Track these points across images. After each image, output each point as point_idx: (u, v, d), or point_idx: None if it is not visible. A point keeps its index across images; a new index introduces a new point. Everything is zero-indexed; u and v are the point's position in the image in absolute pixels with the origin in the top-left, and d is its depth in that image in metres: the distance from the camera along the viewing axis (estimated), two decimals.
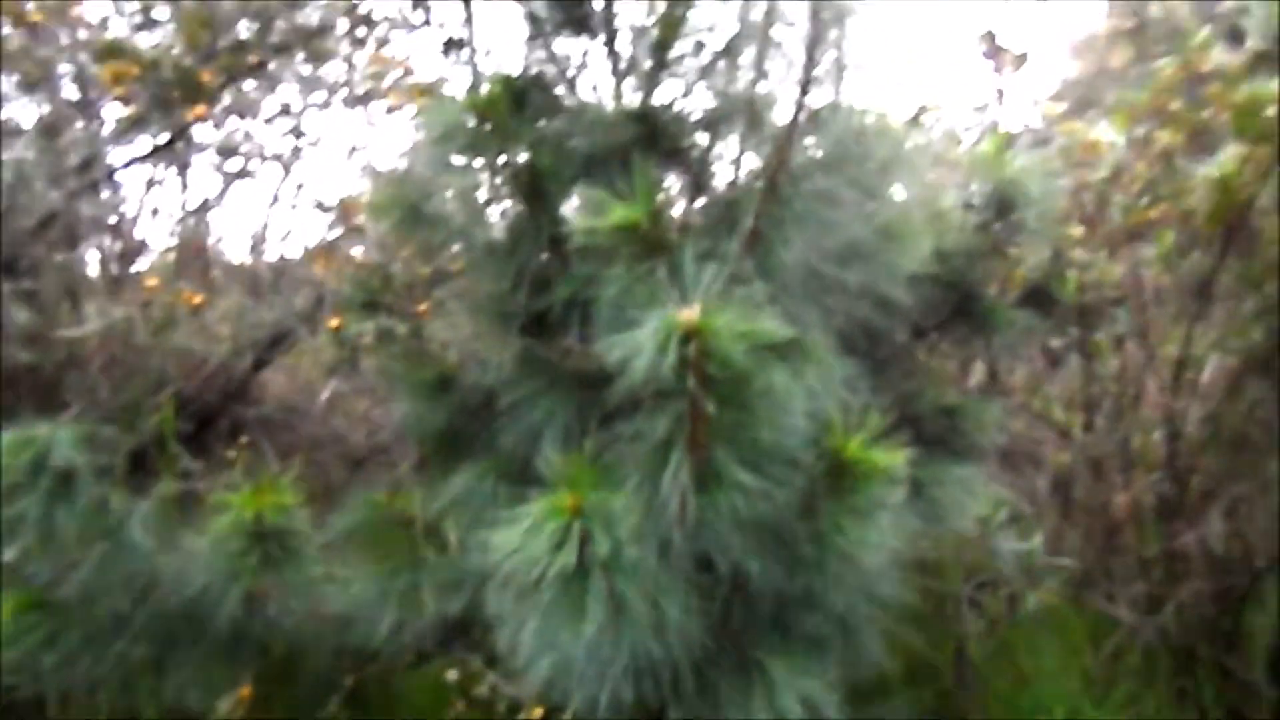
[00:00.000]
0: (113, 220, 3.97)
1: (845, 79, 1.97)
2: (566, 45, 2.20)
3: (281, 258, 4.29)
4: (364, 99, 4.00)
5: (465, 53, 2.23)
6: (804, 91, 1.93)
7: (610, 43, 2.16)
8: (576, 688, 1.63)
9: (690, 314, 1.47)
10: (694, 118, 2.17)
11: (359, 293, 2.63)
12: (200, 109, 3.12)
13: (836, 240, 1.96)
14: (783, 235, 1.88)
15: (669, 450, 1.59)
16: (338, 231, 3.83)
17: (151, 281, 3.28)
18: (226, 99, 3.68)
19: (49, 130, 3.67)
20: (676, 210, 2.18)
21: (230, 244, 4.67)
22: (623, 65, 2.17)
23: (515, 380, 2.10)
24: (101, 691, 2.47)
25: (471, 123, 2.05)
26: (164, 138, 3.63)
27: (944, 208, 2.45)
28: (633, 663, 1.56)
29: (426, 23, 3.55)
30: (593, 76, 2.20)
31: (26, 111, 3.72)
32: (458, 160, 2.17)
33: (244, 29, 3.36)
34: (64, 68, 3.71)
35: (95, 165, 3.63)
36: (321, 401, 4.00)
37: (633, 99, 2.16)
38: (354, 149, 4.13)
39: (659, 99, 2.16)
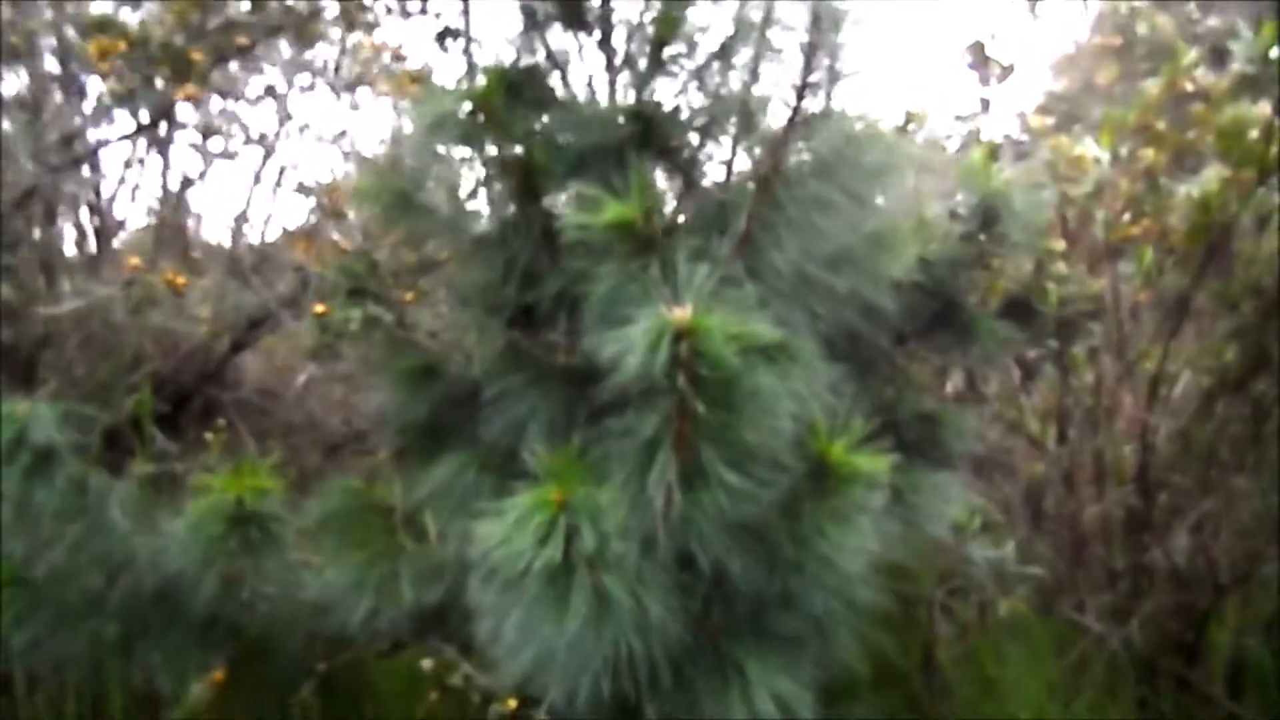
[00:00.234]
0: (92, 198, 3.94)
1: (839, 85, 1.99)
2: (562, 40, 2.20)
3: (262, 240, 4.26)
4: (352, 85, 3.98)
5: (460, 43, 2.23)
6: (800, 96, 1.94)
7: (606, 39, 2.17)
8: (556, 681, 1.64)
9: (683, 313, 1.47)
10: (687, 117, 2.18)
11: (344, 279, 2.62)
12: (190, 89, 3.09)
13: (826, 245, 1.97)
14: (774, 238, 1.89)
15: (656, 448, 1.59)
16: (319, 217, 3.81)
17: (133, 260, 3.24)
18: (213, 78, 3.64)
19: (30, 104, 3.63)
20: (668, 209, 2.19)
21: (210, 225, 4.65)
22: (618, 62, 2.17)
23: (500, 373, 2.10)
24: (70, 671, 2.46)
25: (464, 113, 2.05)
26: (148, 116, 3.59)
27: (929, 216, 2.46)
28: (613, 658, 1.57)
29: (423, 11, 3.54)
30: (587, 72, 2.20)
31: (7, 83, 3.68)
32: (448, 150, 2.17)
33: (234, 8, 3.33)
34: (47, 41, 3.67)
35: (77, 141, 3.59)
36: (298, 386, 3.98)
37: (627, 96, 2.17)
38: (339, 134, 4.11)
39: (653, 97, 2.16)
